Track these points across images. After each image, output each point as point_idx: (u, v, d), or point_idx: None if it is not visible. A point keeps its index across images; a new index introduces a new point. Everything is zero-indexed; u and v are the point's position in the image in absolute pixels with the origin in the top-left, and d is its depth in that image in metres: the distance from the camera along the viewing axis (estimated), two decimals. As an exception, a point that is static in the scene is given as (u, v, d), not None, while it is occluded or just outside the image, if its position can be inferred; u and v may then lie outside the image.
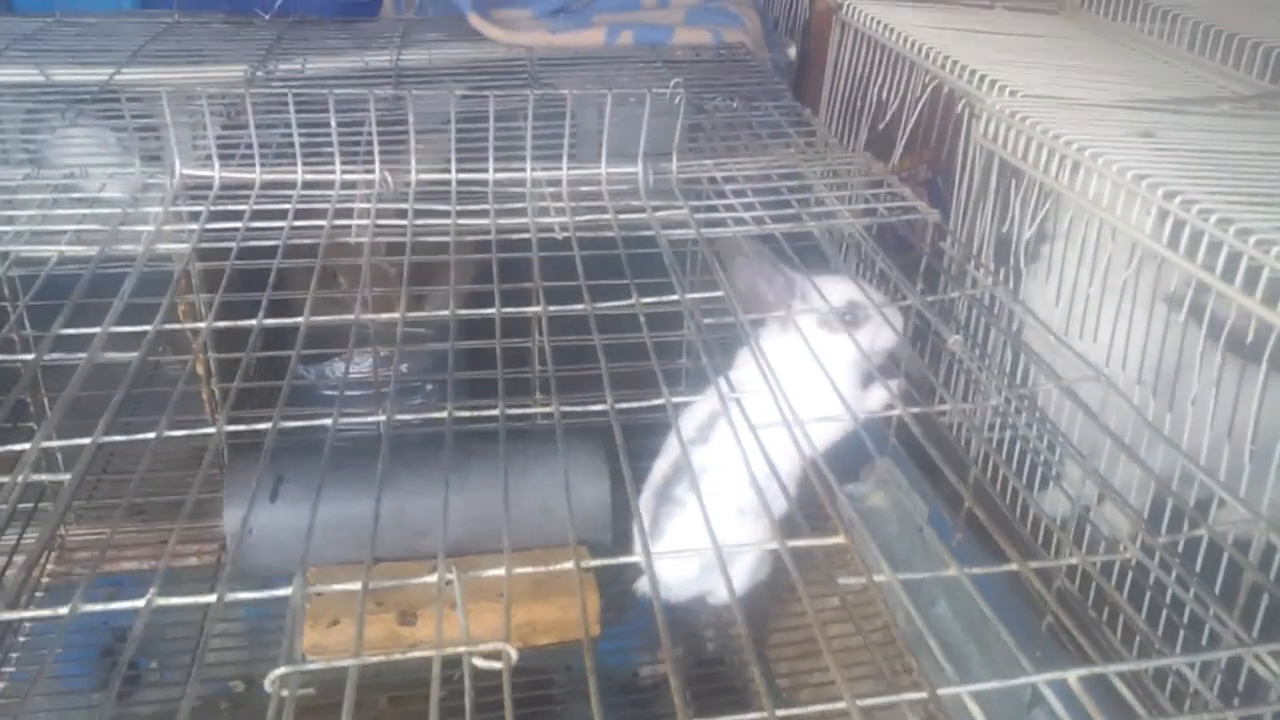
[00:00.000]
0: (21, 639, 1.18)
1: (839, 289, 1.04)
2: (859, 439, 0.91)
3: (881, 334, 1.00)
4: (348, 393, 1.45)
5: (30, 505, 1.25)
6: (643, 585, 1.14)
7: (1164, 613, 0.82)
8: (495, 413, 0.80)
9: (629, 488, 0.74)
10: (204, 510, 1.28)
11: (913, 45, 1.40)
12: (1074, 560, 0.64)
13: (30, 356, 0.87)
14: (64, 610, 0.62)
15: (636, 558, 0.99)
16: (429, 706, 1.31)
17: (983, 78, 1.25)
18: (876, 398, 1.04)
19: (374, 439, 1.30)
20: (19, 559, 1.16)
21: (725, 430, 1.03)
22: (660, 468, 1.09)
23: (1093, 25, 1.55)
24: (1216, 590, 0.71)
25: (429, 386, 1.34)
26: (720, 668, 1.26)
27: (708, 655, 1.29)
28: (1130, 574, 0.87)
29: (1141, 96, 1.22)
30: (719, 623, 1.27)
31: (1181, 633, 0.80)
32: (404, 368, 1.37)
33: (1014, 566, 0.62)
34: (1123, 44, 1.46)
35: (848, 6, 1.58)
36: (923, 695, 0.53)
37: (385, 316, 0.92)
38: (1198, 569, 0.76)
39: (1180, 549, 0.70)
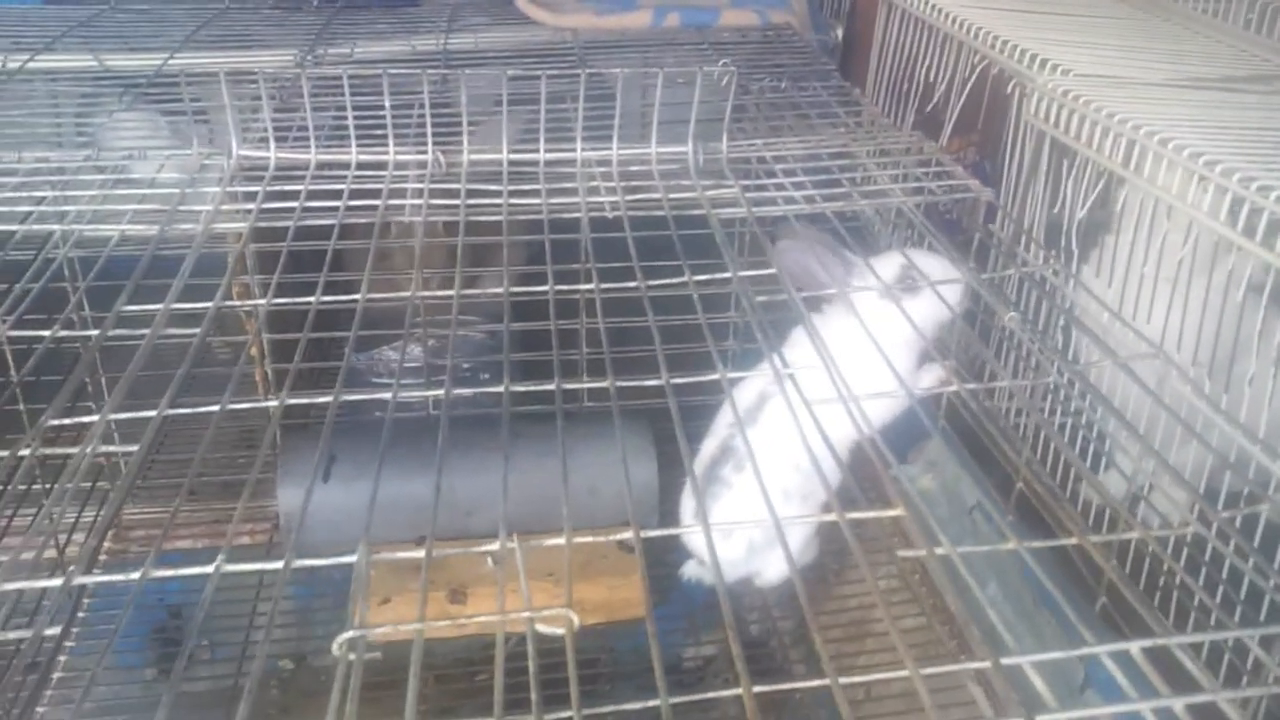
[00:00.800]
0: (80, 614, 1.20)
1: (895, 259, 1.04)
2: (907, 421, 0.90)
3: (939, 305, 0.99)
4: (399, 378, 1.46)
5: (88, 484, 1.27)
6: (688, 569, 1.14)
7: (1220, 588, 0.81)
8: (551, 388, 0.81)
9: (686, 462, 0.73)
10: (255, 489, 1.30)
11: (961, 25, 1.39)
12: (1134, 534, 0.64)
13: (94, 333, 0.89)
14: (135, 575, 0.63)
15: (692, 527, 1.00)
16: (474, 685, 1.33)
17: (1034, 57, 1.23)
18: (930, 376, 1.03)
19: (423, 420, 1.32)
20: (79, 537, 1.18)
21: (774, 411, 1.04)
22: (708, 448, 1.09)
23: (1144, 3, 1.53)
24: (1276, 565, 0.70)
25: (484, 375, 1.34)
26: (764, 650, 1.26)
27: (752, 638, 1.29)
28: (1185, 552, 0.86)
29: (1196, 75, 1.20)
30: (763, 605, 1.27)
31: (1239, 608, 0.79)
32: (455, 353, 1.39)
33: (1075, 540, 0.62)
34: (1175, 22, 1.44)
35: (894, -13, 1.57)
36: (985, 664, 0.53)
37: (440, 294, 0.92)
38: (1256, 546, 0.76)
39: (1238, 525, 0.70)
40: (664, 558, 1.16)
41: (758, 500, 1.03)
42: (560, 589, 1.06)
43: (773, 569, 1.10)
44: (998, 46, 1.30)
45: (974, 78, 1.38)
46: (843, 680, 0.52)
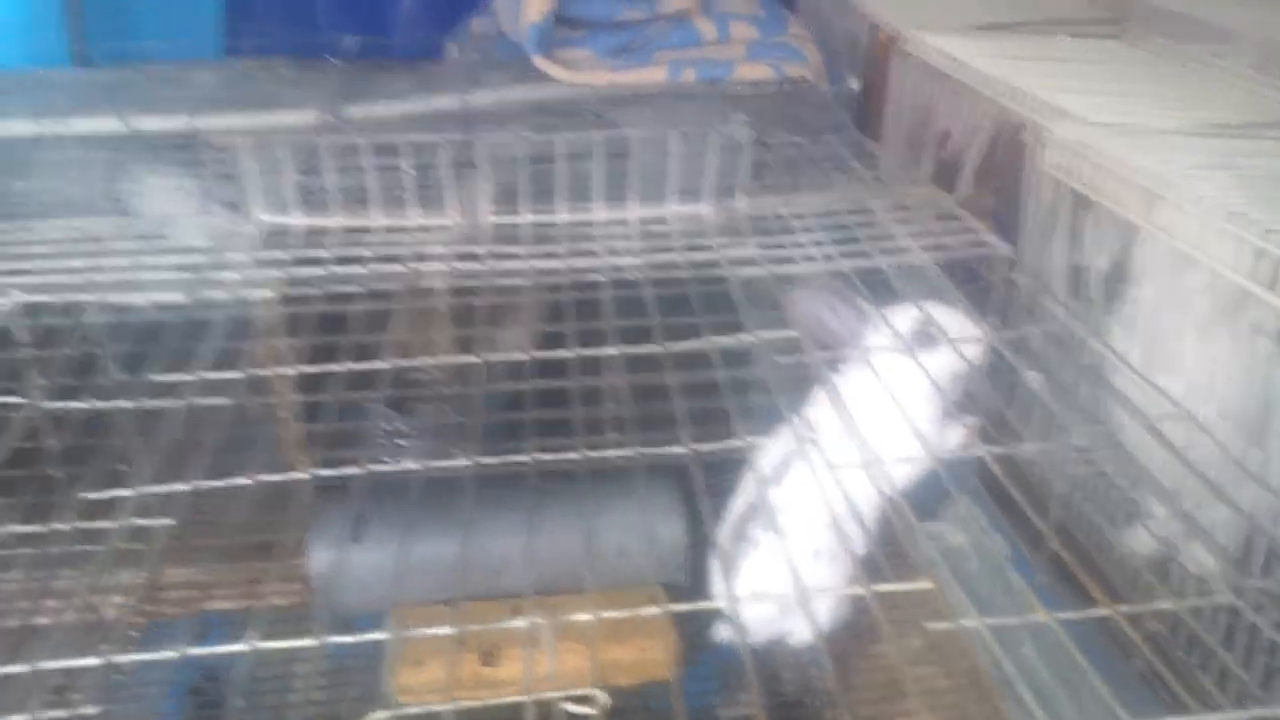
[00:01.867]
0: (116, 677, 1.20)
1: (911, 311, 1.04)
2: (938, 475, 0.90)
3: (958, 358, 0.99)
4: (421, 437, 1.47)
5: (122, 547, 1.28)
6: (720, 630, 1.14)
7: (1262, 658, 0.80)
8: (575, 456, 0.82)
9: (708, 527, 0.74)
10: (287, 550, 1.31)
11: (976, 74, 1.40)
12: (1166, 604, 0.64)
13: (130, 404, 0.90)
14: (172, 653, 0.64)
15: (719, 603, 1.00)
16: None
17: (1049, 106, 1.24)
18: (956, 434, 1.03)
19: (452, 481, 1.32)
20: (115, 599, 1.19)
21: (801, 471, 1.04)
22: (737, 506, 1.09)
23: (1156, 49, 1.53)
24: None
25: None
26: (799, 710, 1.25)
27: (786, 697, 1.28)
28: (1223, 617, 0.85)
29: (1212, 121, 1.20)
30: (797, 664, 1.26)
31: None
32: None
33: (1105, 611, 0.62)
34: (1188, 67, 1.44)
35: (908, 37, 1.58)
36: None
37: (463, 359, 0.93)
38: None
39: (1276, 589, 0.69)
40: (697, 615, 1.16)
41: (785, 560, 1.04)
42: (590, 652, 1.07)
43: (803, 629, 1.10)
44: (1013, 96, 1.31)
45: (990, 126, 1.39)
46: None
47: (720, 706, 1.24)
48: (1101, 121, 1.19)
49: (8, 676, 0.64)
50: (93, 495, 0.80)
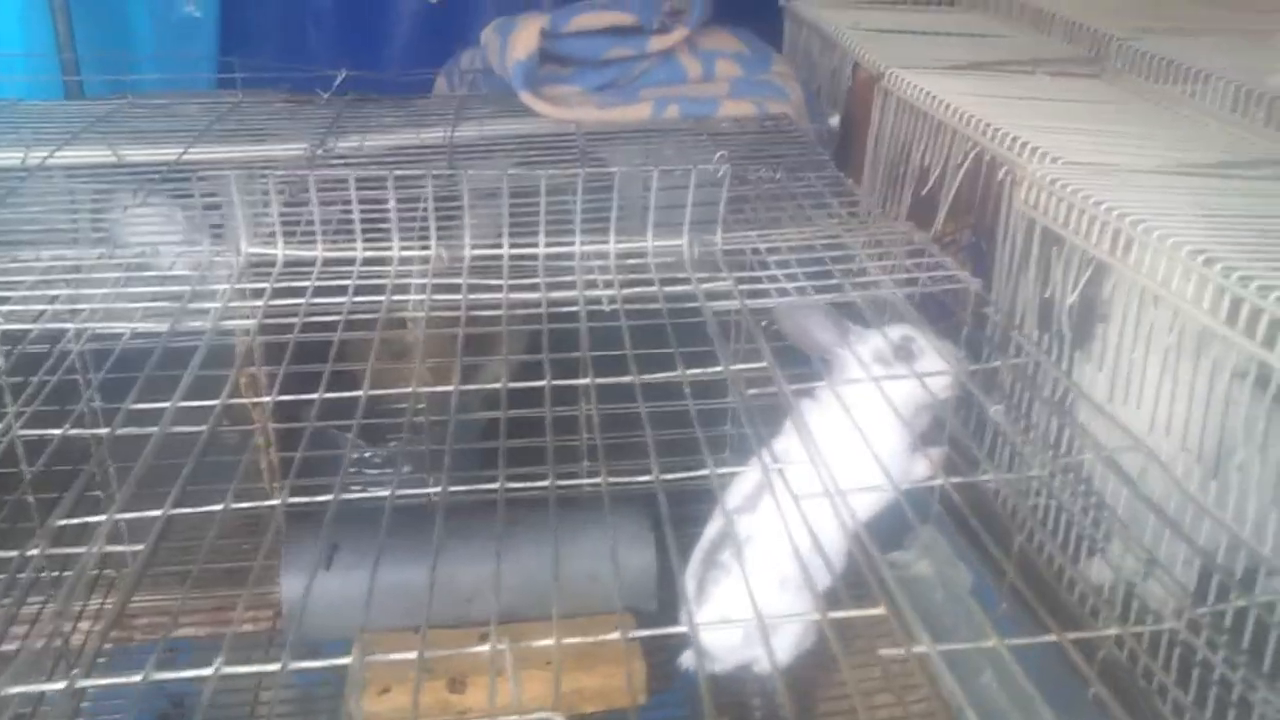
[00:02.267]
0: (84, 704, 1.21)
1: (894, 329, 1.07)
2: (904, 505, 0.91)
3: (932, 380, 1.01)
4: (394, 466, 1.48)
5: (95, 572, 1.29)
6: (686, 658, 1.15)
7: (1212, 688, 0.81)
8: (545, 484, 0.83)
9: (673, 556, 0.75)
10: (258, 576, 1.31)
11: (954, 112, 1.42)
12: (1115, 631, 0.65)
13: (104, 431, 0.91)
14: (137, 678, 0.65)
15: (682, 628, 1.00)
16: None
17: (1024, 144, 1.26)
18: (922, 465, 1.05)
19: (422, 509, 1.33)
20: (83, 625, 1.20)
21: (772, 500, 1.05)
22: (708, 534, 1.10)
23: (1134, 89, 1.56)
24: (1266, 665, 0.70)
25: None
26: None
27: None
28: (1178, 648, 0.86)
29: (1184, 160, 1.22)
30: (764, 691, 1.27)
31: (1232, 711, 0.79)
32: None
33: (1053, 637, 0.63)
34: (1165, 107, 1.47)
35: (890, 75, 1.61)
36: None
37: (441, 389, 0.95)
38: (1247, 643, 0.76)
39: (1229, 621, 0.70)
40: (666, 642, 1.17)
41: (754, 587, 1.05)
42: (564, 677, 1.08)
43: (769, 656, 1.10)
44: (989, 134, 1.33)
45: (967, 163, 1.41)
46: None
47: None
48: (1075, 160, 1.21)
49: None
50: (65, 521, 0.80)
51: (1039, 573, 0.97)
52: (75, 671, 0.65)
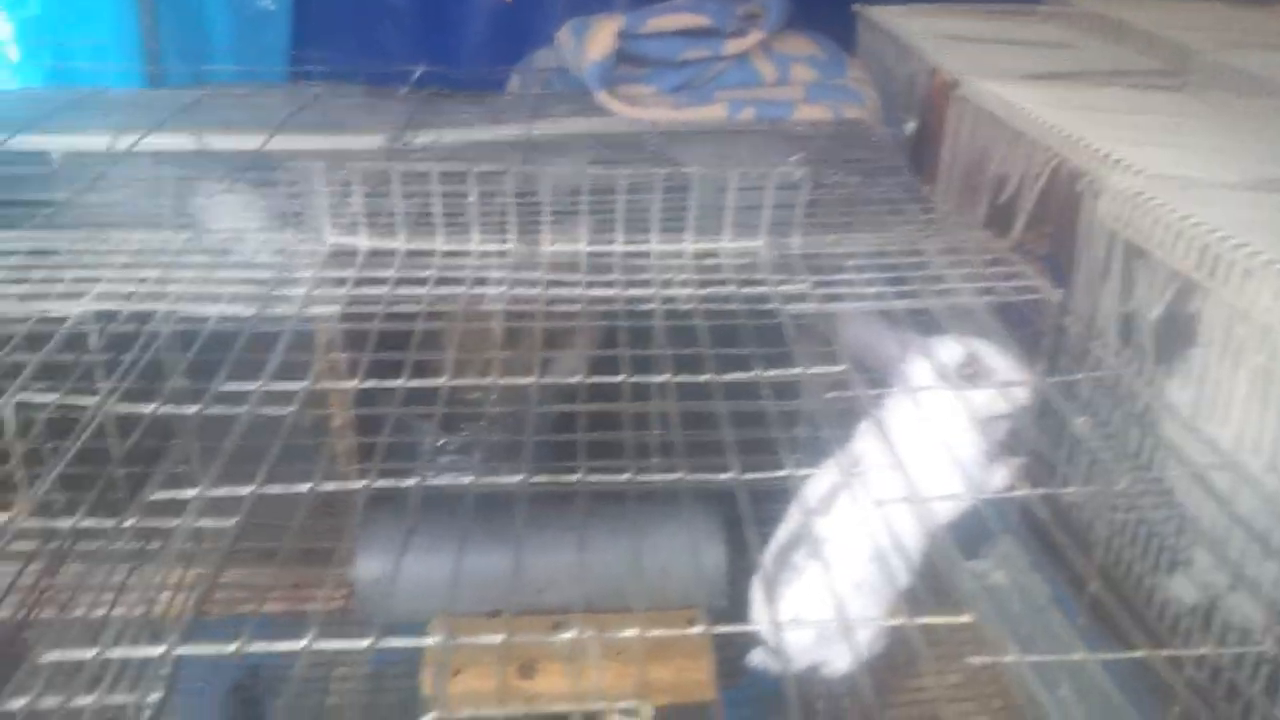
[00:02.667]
0: (163, 672, 1.23)
1: (958, 345, 1.06)
2: (982, 514, 0.91)
3: (1006, 393, 1.00)
4: (472, 455, 1.50)
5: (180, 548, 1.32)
6: (756, 657, 1.15)
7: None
8: (624, 477, 0.84)
9: (751, 553, 0.75)
10: (329, 557, 1.34)
11: (1034, 122, 1.41)
12: (1206, 650, 0.64)
13: (195, 409, 0.93)
14: (231, 648, 0.66)
15: (760, 628, 1.01)
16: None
17: (1106, 155, 1.25)
18: (1001, 474, 1.04)
19: (497, 497, 1.35)
20: (164, 595, 1.23)
21: (846, 504, 1.05)
22: (781, 535, 1.10)
23: (1219, 103, 1.53)
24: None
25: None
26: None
27: (819, 720, 1.28)
28: (1265, 668, 0.85)
29: (1274, 176, 1.20)
30: (830, 694, 1.27)
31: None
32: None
33: (1143, 653, 0.63)
34: (1249, 122, 1.44)
35: (967, 82, 1.60)
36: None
37: (520, 381, 0.96)
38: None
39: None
40: (735, 639, 1.17)
41: (828, 589, 1.05)
42: (631, 669, 1.08)
43: (842, 659, 1.10)
44: (1069, 144, 1.32)
45: (1046, 174, 1.39)
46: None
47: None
48: (1158, 173, 1.19)
49: (75, 663, 0.66)
50: (158, 496, 0.83)
51: (1118, 587, 0.96)
52: (173, 638, 0.67)
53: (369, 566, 1.24)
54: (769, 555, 1.11)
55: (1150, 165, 1.21)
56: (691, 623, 1.23)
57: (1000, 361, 1.03)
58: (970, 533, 0.97)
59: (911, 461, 0.84)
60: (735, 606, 1.22)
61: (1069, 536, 0.80)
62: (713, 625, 1.24)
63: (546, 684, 1.13)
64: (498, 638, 0.69)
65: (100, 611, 0.89)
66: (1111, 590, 0.80)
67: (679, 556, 1.16)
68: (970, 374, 1.04)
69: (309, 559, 1.35)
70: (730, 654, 1.15)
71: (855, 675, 1.10)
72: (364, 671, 1.25)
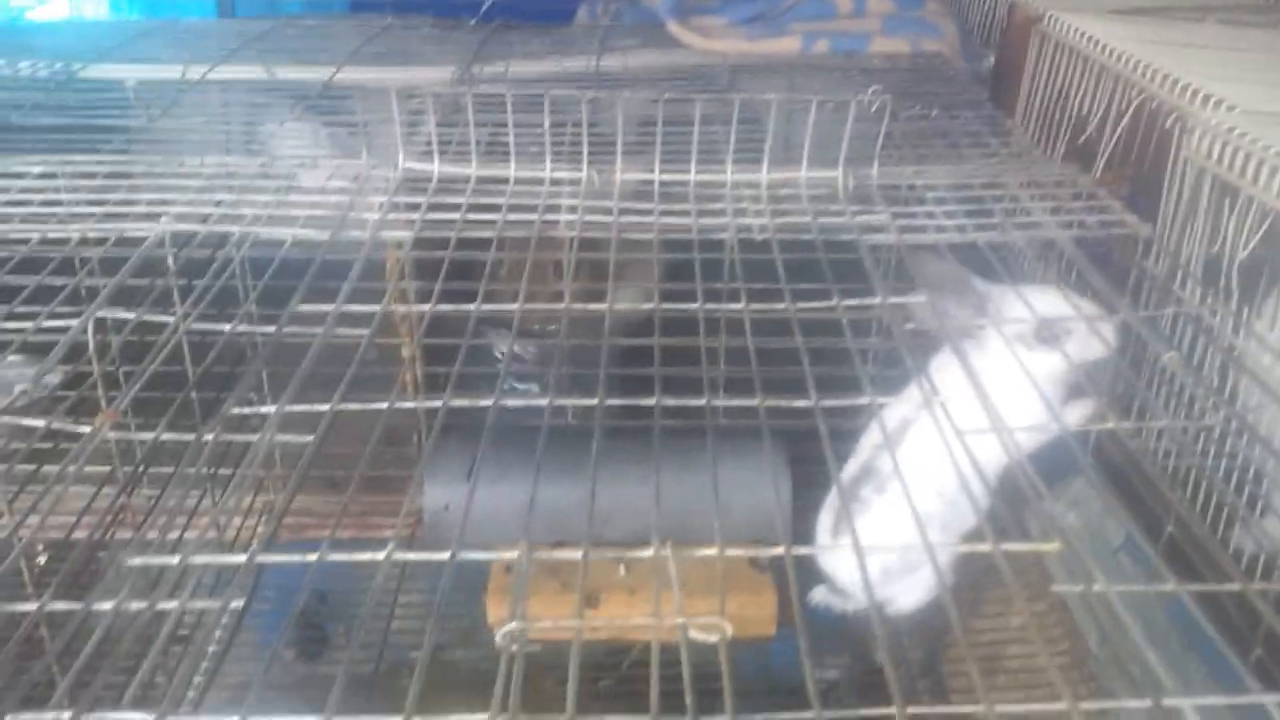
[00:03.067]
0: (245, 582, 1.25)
1: (1037, 303, 1.02)
2: (1049, 457, 0.89)
3: (1088, 347, 0.97)
4: (529, 384, 1.50)
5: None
6: (817, 595, 1.15)
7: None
8: (700, 403, 0.83)
9: (834, 475, 0.74)
10: (394, 485, 1.36)
11: (1118, 58, 1.36)
12: (1303, 584, 0.62)
13: (270, 329, 0.94)
14: (313, 556, 0.67)
15: (824, 564, 1.00)
16: (596, 689, 1.35)
17: (1196, 92, 1.21)
18: (1080, 410, 1.01)
19: (564, 428, 1.35)
20: (236, 520, 1.26)
21: (917, 437, 1.04)
22: (850, 468, 1.10)
23: (1314, 38, 1.48)
24: None
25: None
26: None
27: (876, 665, 1.28)
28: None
29: (1370, 114, 1.16)
30: (889, 632, 1.27)
31: None
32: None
33: (1236, 586, 0.61)
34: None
35: (1049, 17, 1.55)
36: (1145, 703, 0.53)
37: (593, 307, 0.95)
38: None
39: None
40: (798, 577, 1.17)
41: (896, 523, 1.04)
42: (695, 601, 1.08)
43: (905, 597, 1.10)
44: (1157, 80, 1.27)
45: (1130, 111, 1.35)
46: (998, 708, 0.52)
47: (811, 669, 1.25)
48: (1251, 109, 1.15)
49: (157, 570, 0.68)
50: (238, 411, 0.83)
51: (1193, 534, 0.94)
52: (254, 548, 0.68)
53: (437, 495, 1.25)
54: (836, 491, 1.11)
55: (1242, 101, 1.17)
56: (755, 559, 1.23)
57: (1085, 301, 1.00)
58: (1043, 473, 0.95)
59: (991, 393, 0.83)
60: (801, 544, 1.21)
61: (1143, 481, 0.78)
62: (776, 563, 1.24)
63: (609, 612, 1.14)
64: (576, 554, 0.69)
65: (174, 535, 0.91)
66: (1186, 537, 0.78)
67: (744, 492, 1.16)
68: (1051, 336, 1.00)
69: (377, 488, 1.36)
70: (789, 594, 1.15)
71: (917, 611, 1.10)
72: (422, 600, 1.27)
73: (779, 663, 1.33)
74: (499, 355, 1.36)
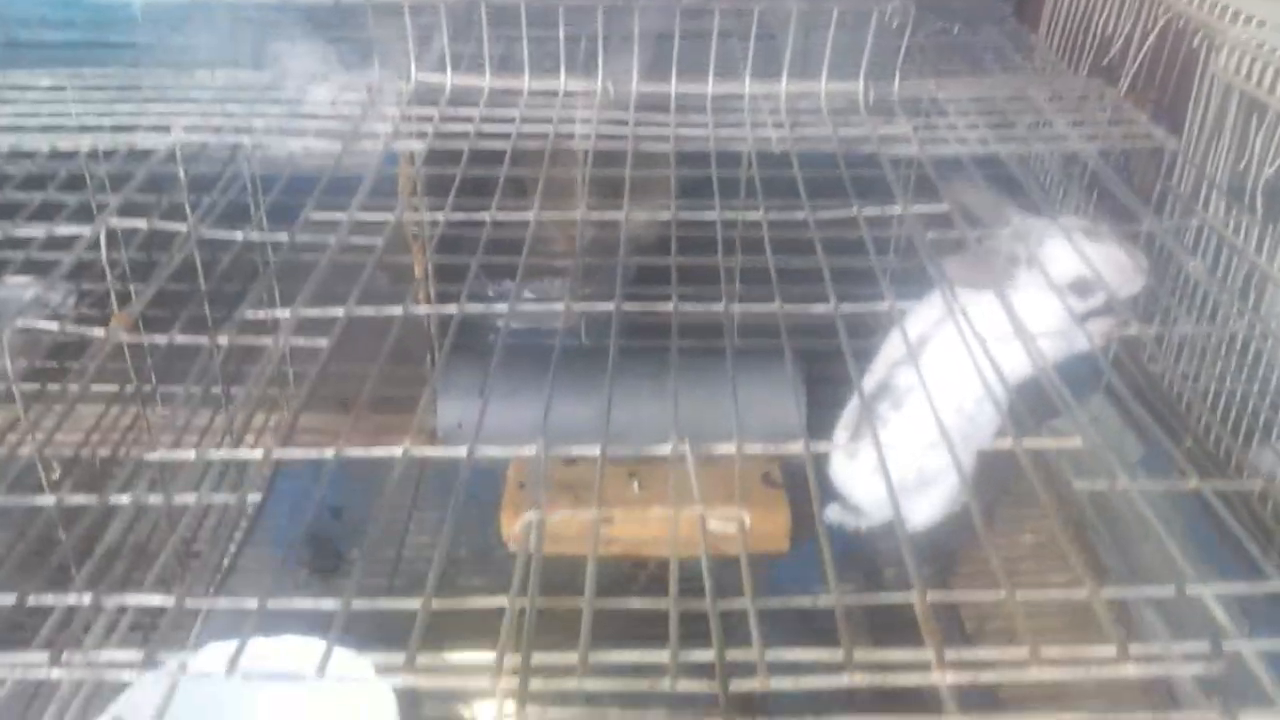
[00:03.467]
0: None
1: (1067, 260, 0.94)
2: (1069, 375, 0.88)
3: (1121, 288, 0.93)
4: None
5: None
6: (830, 513, 1.14)
7: None
8: (718, 308, 0.82)
9: (855, 381, 0.74)
10: (406, 405, 1.34)
11: (1145, -25, 1.34)
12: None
13: (283, 235, 0.93)
14: (330, 452, 0.67)
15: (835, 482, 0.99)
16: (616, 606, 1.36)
17: (1224, 8, 1.19)
18: (1098, 327, 1.00)
19: (575, 346, 1.35)
20: (248, 438, 1.25)
21: (935, 352, 1.03)
22: (867, 384, 1.09)
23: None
24: None
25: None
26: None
27: (886, 585, 1.28)
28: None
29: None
30: (900, 553, 1.26)
31: None
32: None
33: (1259, 484, 0.61)
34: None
35: (1074, -66, 1.52)
36: (1169, 591, 0.52)
37: (609, 215, 0.94)
38: None
39: None
40: (804, 496, 1.17)
41: (912, 439, 1.04)
42: (710, 511, 1.09)
43: (918, 514, 1.09)
44: (1185, -2, 1.25)
45: (1156, 30, 1.33)
46: (1020, 595, 0.52)
47: (819, 592, 1.26)
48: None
49: (180, 464, 0.68)
50: (252, 314, 0.83)
51: (1210, 451, 0.93)
52: (271, 443, 0.68)
53: (450, 411, 1.25)
54: (851, 405, 1.10)
55: (1273, 17, 1.14)
56: (768, 475, 1.23)
57: (1113, 259, 0.95)
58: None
59: (1014, 301, 0.82)
60: (815, 461, 1.21)
61: (1162, 401, 0.77)
62: (789, 479, 1.24)
63: (623, 530, 1.14)
64: (593, 449, 0.69)
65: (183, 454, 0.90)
66: (1205, 455, 0.77)
67: (758, 409, 1.15)
68: (1085, 289, 0.96)
69: (389, 407, 1.35)
70: (806, 509, 1.15)
71: (930, 530, 1.09)
72: (438, 517, 1.27)
73: (790, 581, 1.33)
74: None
